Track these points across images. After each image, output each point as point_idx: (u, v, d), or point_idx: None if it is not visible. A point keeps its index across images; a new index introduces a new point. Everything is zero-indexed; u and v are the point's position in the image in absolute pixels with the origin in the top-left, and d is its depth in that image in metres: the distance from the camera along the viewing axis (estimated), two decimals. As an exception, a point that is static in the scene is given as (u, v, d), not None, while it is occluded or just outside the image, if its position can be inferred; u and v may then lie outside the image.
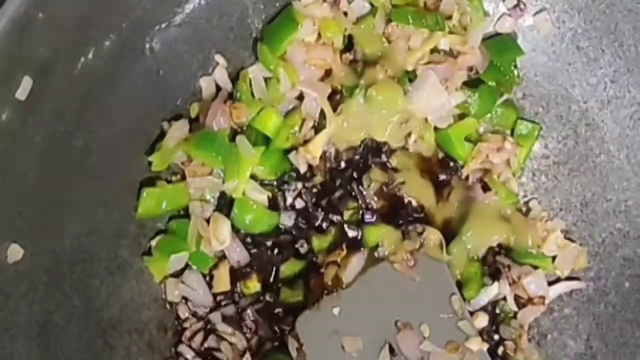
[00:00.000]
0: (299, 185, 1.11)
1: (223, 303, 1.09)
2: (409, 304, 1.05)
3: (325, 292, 1.06)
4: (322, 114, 1.09)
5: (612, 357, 1.11)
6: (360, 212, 1.10)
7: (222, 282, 1.08)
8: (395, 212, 1.10)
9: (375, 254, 1.07)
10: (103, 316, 1.04)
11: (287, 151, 1.10)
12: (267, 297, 1.08)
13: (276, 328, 1.07)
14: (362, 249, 1.07)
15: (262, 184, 1.10)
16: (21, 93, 0.89)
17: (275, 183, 1.11)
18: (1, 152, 0.90)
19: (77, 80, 0.96)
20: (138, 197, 1.07)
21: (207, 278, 1.09)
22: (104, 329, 1.03)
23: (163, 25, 1.04)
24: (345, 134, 1.10)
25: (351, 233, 1.09)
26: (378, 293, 1.06)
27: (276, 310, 1.08)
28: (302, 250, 1.10)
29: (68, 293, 1.00)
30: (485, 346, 1.04)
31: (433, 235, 1.08)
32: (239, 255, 1.08)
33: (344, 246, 1.07)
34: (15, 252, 0.93)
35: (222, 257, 1.09)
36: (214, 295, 1.09)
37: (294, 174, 1.11)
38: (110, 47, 0.99)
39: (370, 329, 1.04)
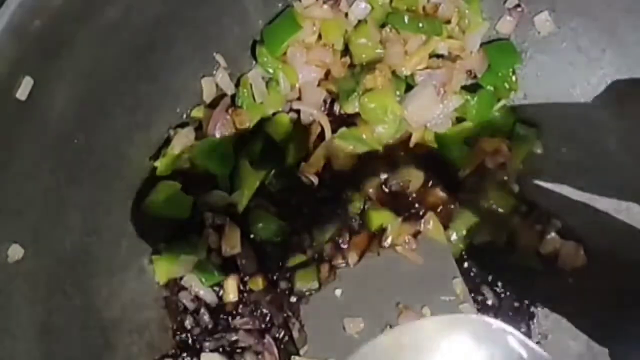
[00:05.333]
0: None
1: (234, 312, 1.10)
2: (411, 287, 1.06)
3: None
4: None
5: (613, 357, 1.12)
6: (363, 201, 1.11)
7: (231, 293, 1.08)
8: (396, 203, 1.11)
9: (381, 241, 1.09)
10: (103, 316, 1.04)
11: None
12: (282, 286, 1.09)
13: (290, 314, 1.09)
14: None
15: (269, 192, 1.11)
16: (21, 93, 0.89)
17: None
18: (1, 152, 0.90)
19: (77, 81, 0.97)
20: (140, 196, 1.08)
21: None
22: (104, 329, 1.03)
23: (164, 26, 1.04)
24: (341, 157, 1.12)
25: (353, 223, 1.11)
26: (380, 275, 1.07)
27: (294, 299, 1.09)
28: (306, 243, 1.10)
29: (69, 293, 1.00)
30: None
31: (434, 218, 1.09)
32: (249, 262, 1.09)
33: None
34: (16, 252, 0.93)
35: (230, 269, 1.09)
36: (224, 306, 1.09)
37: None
38: (110, 47, 0.99)
39: (372, 311, 1.05)
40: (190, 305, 1.08)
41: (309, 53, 1.10)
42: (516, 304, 1.13)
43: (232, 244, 1.07)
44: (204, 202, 1.09)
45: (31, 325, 0.95)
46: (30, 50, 0.89)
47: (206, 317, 1.08)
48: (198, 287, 1.08)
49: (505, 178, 1.14)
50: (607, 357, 1.12)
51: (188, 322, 1.08)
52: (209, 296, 1.08)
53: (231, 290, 1.08)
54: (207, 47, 1.10)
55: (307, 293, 1.08)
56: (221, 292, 1.09)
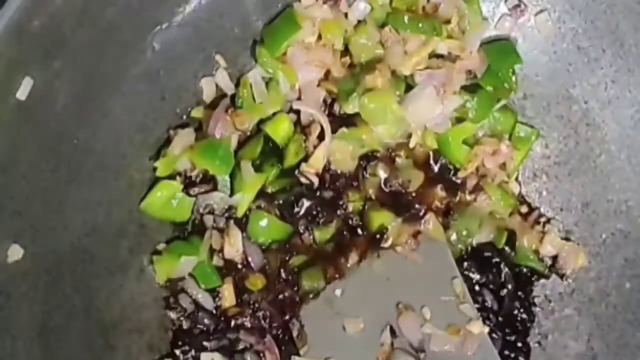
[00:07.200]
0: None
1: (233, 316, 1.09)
2: (411, 287, 1.07)
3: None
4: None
5: (613, 357, 1.12)
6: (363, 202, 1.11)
7: (229, 298, 1.09)
8: (396, 203, 1.11)
9: (381, 241, 1.09)
10: (103, 316, 1.04)
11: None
12: (284, 286, 1.09)
13: (289, 314, 1.09)
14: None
15: (269, 193, 1.10)
16: (21, 93, 0.90)
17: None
18: (1, 152, 0.91)
19: (77, 81, 0.97)
20: (139, 196, 1.07)
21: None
22: (104, 329, 1.04)
23: (164, 26, 1.04)
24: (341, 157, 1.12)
25: (353, 223, 1.11)
26: (380, 275, 1.08)
27: (296, 298, 1.09)
28: (307, 241, 1.10)
29: (68, 293, 1.00)
30: (486, 329, 1.05)
31: (434, 218, 1.09)
32: (256, 257, 1.09)
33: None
34: (15, 252, 0.93)
35: (231, 271, 1.09)
36: (223, 312, 1.09)
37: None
38: (110, 47, 1.00)
39: (372, 311, 1.06)
40: (189, 308, 1.08)
41: (308, 53, 1.09)
42: (516, 305, 1.13)
43: (233, 246, 1.07)
44: (204, 203, 1.09)
45: (31, 325, 0.95)
46: (30, 50, 0.90)
47: (206, 319, 1.08)
48: (196, 290, 1.08)
49: (505, 178, 1.14)
50: (607, 357, 1.12)
51: (188, 323, 1.08)
52: (206, 301, 1.08)
53: (228, 296, 1.08)
54: (207, 47, 1.09)
55: (312, 293, 1.08)
56: (218, 298, 1.09)
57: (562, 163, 1.16)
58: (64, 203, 0.99)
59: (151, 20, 1.03)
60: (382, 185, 1.11)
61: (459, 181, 1.13)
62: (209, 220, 1.09)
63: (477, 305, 1.09)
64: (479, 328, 1.04)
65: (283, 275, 1.09)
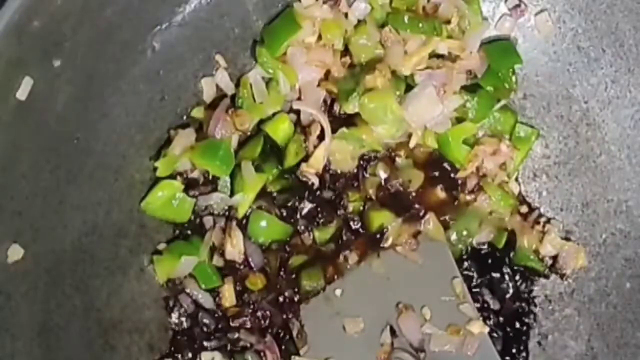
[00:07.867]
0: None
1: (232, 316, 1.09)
2: (411, 287, 1.08)
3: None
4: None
5: (613, 357, 1.12)
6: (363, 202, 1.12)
7: (229, 297, 1.09)
8: (396, 203, 1.11)
9: (381, 241, 1.09)
10: (103, 316, 1.04)
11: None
12: (284, 286, 1.09)
13: (289, 314, 1.09)
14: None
15: (269, 193, 1.10)
16: (21, 93, 0.90)
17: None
18: (1, 152, 0.91)
19: (77, 81, 0.97)
20: (139, 196, 1.07)
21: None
22: (104, 329, 1.04)
23: (164, 26, 1.04)
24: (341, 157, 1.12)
25: (353, 223, 1.11)
26: (380, 275, 1.08)
27: (296, 298, 1.09)
28: (307, 241, 1.10)
29: (68, 293, 1.00)
30: (486, 329, 1.05)
31: (434, 218, 1.09)
32: (256, 257, 1.09)
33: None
34: (15, 252, 0.93)
35: (231, 271, 1.09)
36: (223, 312, 1.09)
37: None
38: (110, 47, 1.00)
39: (372, 311, 1.06)
40: (190, 308, 1.08)
41: (308, 53, 1.09)
42: (516, 305, 1.13)
43: (235, 247, 1.07)
44: (205, 204, 1.09)
45: (31, 325, 0.95)
46: (30, 50, 0.90)
47: (206, 319, 1.08)
48: (196, 290, 1.08)
49: (505, 178, 1.14)
50: (607, 357, 1.12)
51: (188, 323, 1.08)
52: (206, 301, 1.08)
53: (228, 296, 1.08)
54: (207, 47, 1.09)
55: (312, 293, 1.08)
56: (218, 298, 1.09)
57: (562, 163, 1.16)
58: (64, 203, 0.99)
59: (151, 20, 1.03)
60: (382, 185, 1.11)
61: (459, 181, 1.13)
62: (209, 221, 1.09)
63: (477, 305, 1.09)
64: (479, 328, 1.05)
65: (283, 275, 1.09)
